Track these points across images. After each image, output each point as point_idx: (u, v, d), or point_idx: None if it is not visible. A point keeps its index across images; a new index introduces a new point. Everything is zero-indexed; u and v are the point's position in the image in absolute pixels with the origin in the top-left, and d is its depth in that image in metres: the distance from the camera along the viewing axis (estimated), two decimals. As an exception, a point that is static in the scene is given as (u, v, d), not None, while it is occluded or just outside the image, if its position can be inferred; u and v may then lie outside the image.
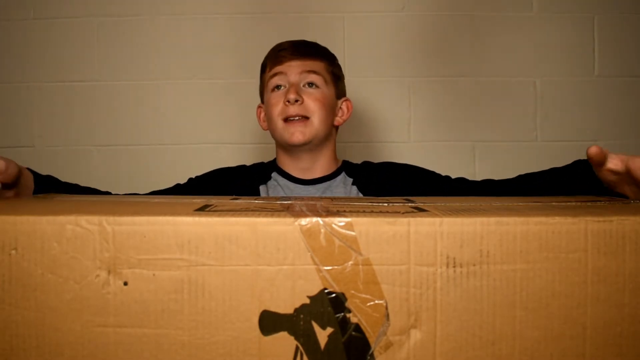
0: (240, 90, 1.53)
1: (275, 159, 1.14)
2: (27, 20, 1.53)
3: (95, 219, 0.47)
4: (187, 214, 0.48)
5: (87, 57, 1.53)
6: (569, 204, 0.62)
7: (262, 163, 1.17)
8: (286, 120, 1.05)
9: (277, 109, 1.05)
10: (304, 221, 0.47)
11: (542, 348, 0.47)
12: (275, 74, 1.07)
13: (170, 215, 0.47)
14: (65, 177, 1.54)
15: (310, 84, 1.06)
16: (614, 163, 0.70)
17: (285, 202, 0.63)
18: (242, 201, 0.63)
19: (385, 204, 0.58)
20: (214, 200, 0.62)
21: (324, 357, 0.46)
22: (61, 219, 0.47)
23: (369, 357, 0.46)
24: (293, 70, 1.06)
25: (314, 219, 0.47)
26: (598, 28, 1.54)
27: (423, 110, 1.55)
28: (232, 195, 1.03)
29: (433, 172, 1.09)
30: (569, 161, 0.89)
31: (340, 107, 1.13)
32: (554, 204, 0.61)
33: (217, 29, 1.54)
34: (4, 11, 1.54)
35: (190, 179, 1.11)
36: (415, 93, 1.55)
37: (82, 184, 0.97)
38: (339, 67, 1.14)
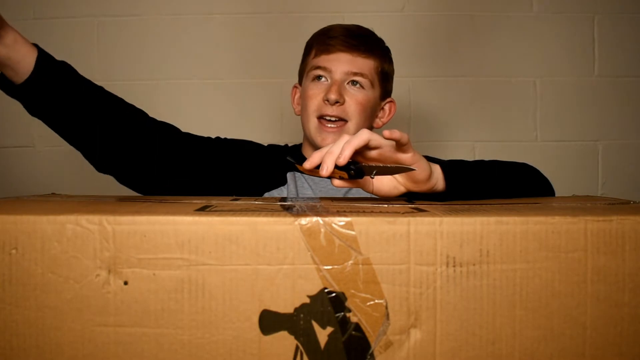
0: (240, 90, 1.53)
1: (301, 145, 1.08)
2: (27, 20, 1.53)
3: (95, 218, 0.47)
4: (187, 213, 0.48)
5: (87, 57, 1.53)
6: (568, 204, 0.62)
7: (286, 146, 1.10)
8: (320, 117, 0.97)
9: (314, 103, 0.98)
10: (304, 221, 0.47)
11: (542, 348, 0.47)
12: (319, 66, 0.98)
13: (170, 214, 0.47)
14: (65, 177, 1.55)
15: (355, 82, 0.98)
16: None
17: (285, 202, 0.63)
18: (242, 201, 0.63)
19: (385, 204, 0.58)
20: (214, 200, 0.63)
21: (324, 356, 0.46)
22: (61, 218, 0.47)
23: (369, 357, 0.47)
24: (340, 67, 0.97)
25: (314, 219, 0.47)
26: (598, 28, 1.54)
27: (423, 110, 1.55)
28: (259, 173, 0.98)
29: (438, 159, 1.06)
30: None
31: (382, 108, 1.06)
32: (554, 204, 0.61)
33: (217, 29, 1.54)
34: (4, 11, 1.53)
35: (219, 138, 1.02)
36: (415, 93, 1.55)
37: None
38: (390, 63, 1.06)
